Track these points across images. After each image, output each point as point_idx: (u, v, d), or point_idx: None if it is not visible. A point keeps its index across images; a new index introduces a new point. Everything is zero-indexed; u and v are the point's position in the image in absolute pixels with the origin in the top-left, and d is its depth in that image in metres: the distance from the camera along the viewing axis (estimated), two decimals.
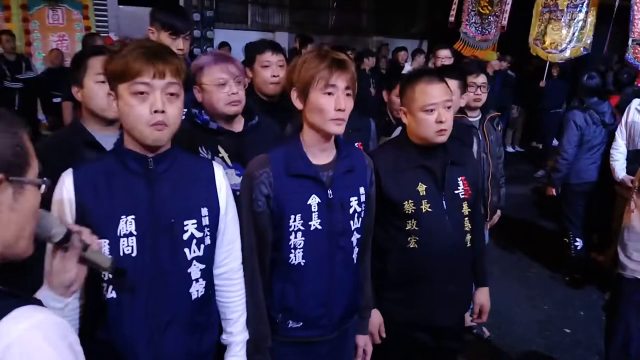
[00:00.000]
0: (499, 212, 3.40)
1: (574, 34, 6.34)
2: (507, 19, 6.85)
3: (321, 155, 1.68)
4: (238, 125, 2.06)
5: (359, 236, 1.76)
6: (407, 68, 7.60)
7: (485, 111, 3.22)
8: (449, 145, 2.01)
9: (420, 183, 1.95)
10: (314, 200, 1.65)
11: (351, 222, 1.71)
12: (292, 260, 1.66)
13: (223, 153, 2.00)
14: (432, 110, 1.90)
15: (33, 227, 0.95)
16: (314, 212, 1.65)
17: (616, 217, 3.79)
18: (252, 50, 2.67)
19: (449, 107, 1.93)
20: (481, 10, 7.20)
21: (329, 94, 1.57)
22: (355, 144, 2.39)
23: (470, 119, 3.14)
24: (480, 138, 3.13)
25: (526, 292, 4.24)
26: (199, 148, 1.96)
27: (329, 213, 1.66)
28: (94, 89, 1.86)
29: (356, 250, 1.77)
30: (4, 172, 0.84)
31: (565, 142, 4.23)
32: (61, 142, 1.86)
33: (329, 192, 1.66)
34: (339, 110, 1.57)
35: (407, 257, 1.96)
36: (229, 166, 2.00)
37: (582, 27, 6.32)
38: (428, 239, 1.94)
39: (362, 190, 1.75)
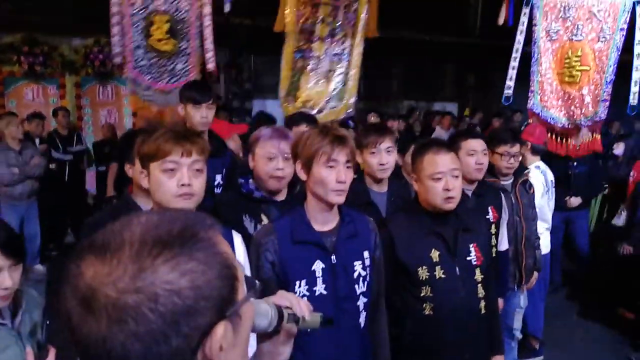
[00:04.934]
0: (536, 274, 3.35)
1: (334, 90, 4.63)
2: (213, 59, 4.33)
3: (324, 222, 1.76)
4: (281, 195, 2.17)
5: (365, 300, 1.78)
6: (438, 131, 7.75)
7: (517, 175, 3.25)
8: (461, 212, 2.06)
9: (433, 249, 1.99)
10: (318, 266, 1.71)
11: (356, 286, 1.75)
12: None
13: (265, 220, 2.09)
14: (439, 179, 1.98)
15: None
16: (318, 277, 1.70)
17: None
18: (289, 122, 3.05)
19: (456, 176, 1.99)
20: (155, 46, 4.20)
21: (331, 167, 1.68)
22: None
23: (503, 183, 3.16)
24: (513, 201, 3.14)
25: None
26: (243, 216, 2.08)
27: (332, 278, 1.71)
28: None
29: (363, 314, 1.78)
30: (221, 314, 0.61)
31: None
32: (113, 216, 2.00)
33: (333, 257, 1.72)
34: (339, 182, 1.67)
35: (423, 324, 1.98)
36: None
37: (345, 82, 4.64)
38: (443, 306, 1.96)
39: (366, 254, 1.80)
